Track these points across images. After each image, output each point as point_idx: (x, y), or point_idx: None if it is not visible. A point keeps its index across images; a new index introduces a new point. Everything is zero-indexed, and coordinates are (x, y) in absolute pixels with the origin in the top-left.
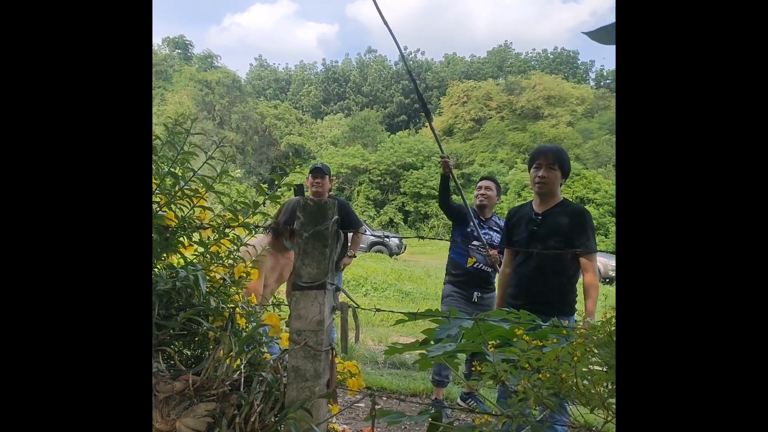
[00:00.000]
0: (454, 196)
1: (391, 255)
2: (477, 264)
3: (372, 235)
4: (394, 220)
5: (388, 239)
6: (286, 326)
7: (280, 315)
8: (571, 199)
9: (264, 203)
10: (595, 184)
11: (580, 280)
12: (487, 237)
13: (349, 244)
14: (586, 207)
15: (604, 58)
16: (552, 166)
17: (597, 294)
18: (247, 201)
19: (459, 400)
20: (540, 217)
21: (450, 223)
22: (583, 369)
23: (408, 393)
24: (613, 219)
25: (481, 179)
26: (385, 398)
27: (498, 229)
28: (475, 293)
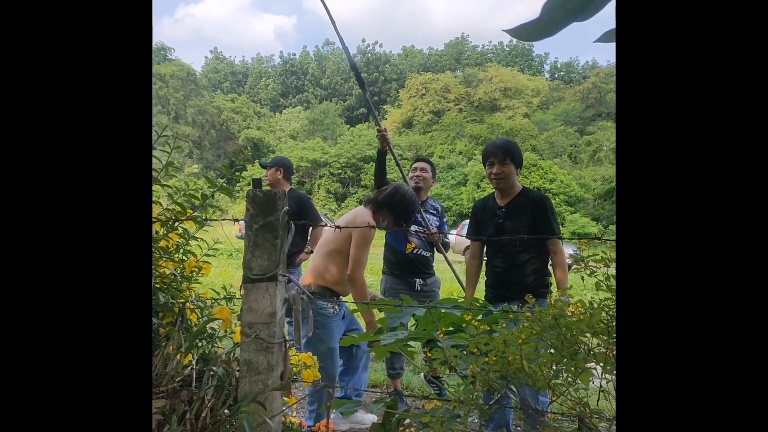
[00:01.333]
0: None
1: None
2: (417, 249)
3: (330, 225)
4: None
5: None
6: (238, 319)
7: (232, 309)
8: None
9: (212, 196)
10: (551, 174)
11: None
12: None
13: (308, 239)
14: None
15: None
16: (504, 162)
17: (566, 271)
18: (195, 194)
19: (423, 379)
20: (503, 210)
21: None
22: (530, 352)
23: (368, 384)
24: (569, 208)
25: (416, 161)
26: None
27: (434, 212)
28: (418, 281)
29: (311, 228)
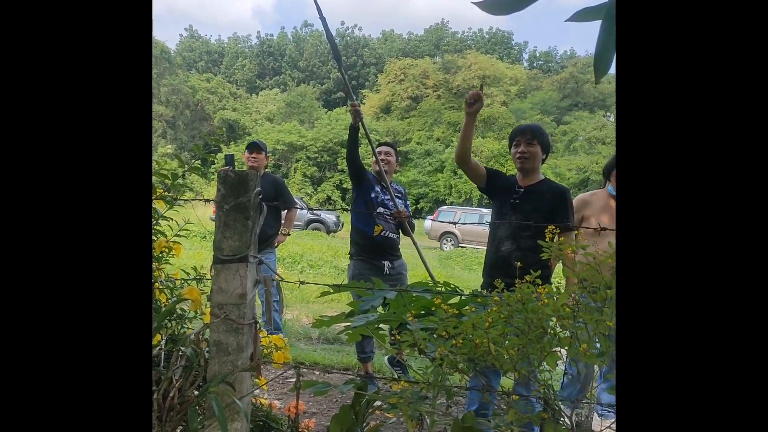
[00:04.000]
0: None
1: (328, 232)
2: (384, 232)
3: (308, 210)
4: (332, 198)
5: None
6: (208, 300)
7: (202, 291)
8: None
9: (184, 176)
10: None
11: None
12: (390, 204)
13: (283, 222)
14: None
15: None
16: (531, 142)
17: (573, 267)
18: (165, 173)
19: (386, 363)
20: (522, 190)
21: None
22: (497, 335)
23: (341, 367)
24: None
25: (379, 145)
26: (318, 372)
27: (399, 195)
28: (386, 264)
29: (286, 211)
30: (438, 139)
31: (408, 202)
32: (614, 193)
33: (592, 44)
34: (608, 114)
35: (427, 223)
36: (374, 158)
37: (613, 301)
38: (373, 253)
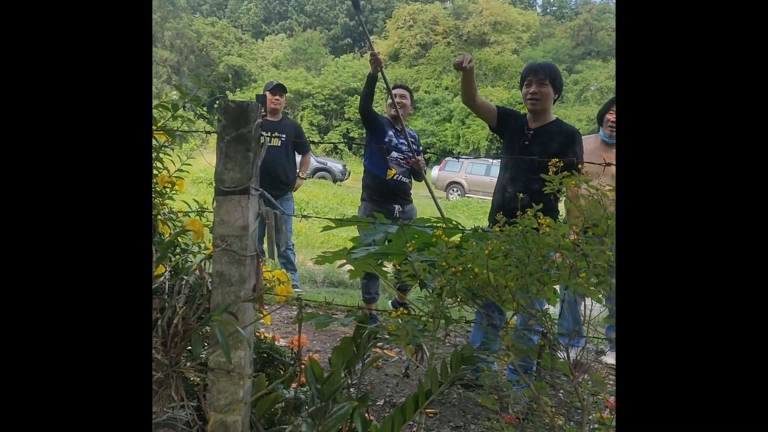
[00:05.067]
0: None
1: (335, 181)
2: (397, 176)
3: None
4: (339, 147)
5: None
6: (210, 233)
7: (205, 225)
8: None
9: (184, 107)
10: None
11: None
12: (404, 147)
13: (300, 167)
14: None
15: None
16: (543, 82)
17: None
18: (166, 105)
19: (389, 305)
20: (532, 132)
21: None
22: (497, 266)
23: (345, 309)
24: None
25: (394, 87)
26: (322, 313)
27: (413, 140)
28: (396, 207)
29: (302, 155)
30: (447, 88)
31: (421, 147)
32: (605, 138)
33: None
34: None
35: (434, 172)
36: (390, 100)
37: (613, 234)
38: (385, 196)
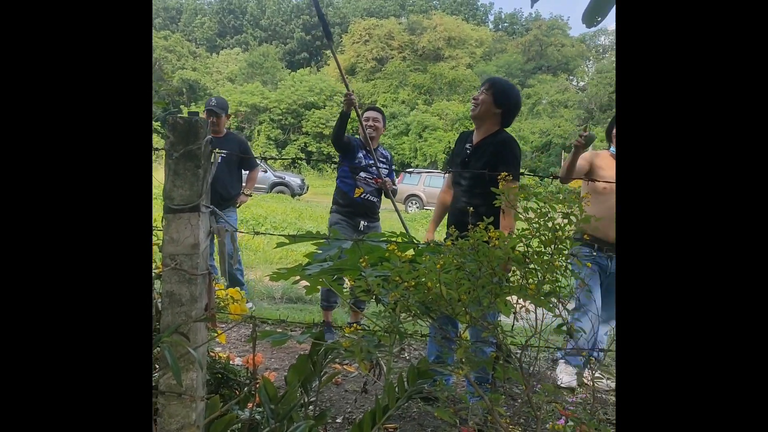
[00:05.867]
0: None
1: (293, 195)
2: (364, 194)
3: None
4: (297, 161)
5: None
6: (160, 251)
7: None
8: None
9: None
10: None
11: None
12: (373, 169)
13: (246, 183)
14: None
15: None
16: (487, 91)
17: (512, 217)
18: None
19: (347, 323)
20: (470, 148)
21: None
22: (450, 281)
23: (304, 325)
24: None
25: (367, 110)
26: (280, 330)
27: (384, 160)
28: (362, 222)
29: (249, 171)
30: (403, 102)
31: (393, 167)
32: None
33: (556, 6)
34: (571, 77)
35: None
36: (360, 127)
37: (560, 246)
38: (351, 213)
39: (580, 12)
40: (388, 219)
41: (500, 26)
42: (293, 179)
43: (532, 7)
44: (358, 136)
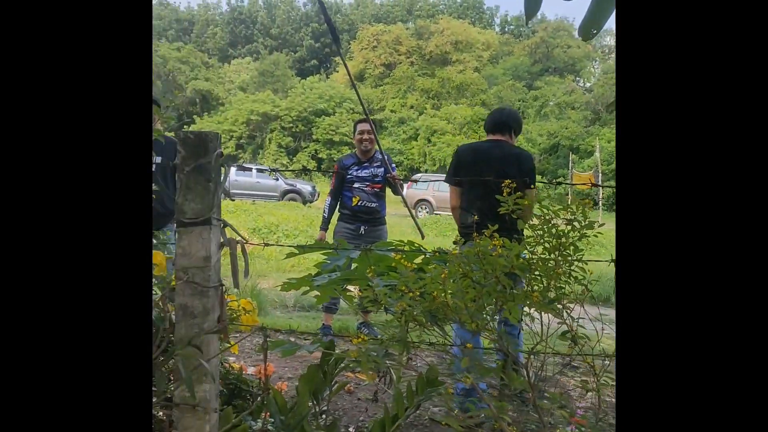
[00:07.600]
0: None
1: (304, 203)
2: (361, 202)
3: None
4: (308, 168)
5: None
6: (172, 265)
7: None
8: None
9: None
10: None
11: None
12: (368, 173)
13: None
14: None
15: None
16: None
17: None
18: None
19: (357, 328)
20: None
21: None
22: (456, 289)
23: (316, 332)
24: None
25: (358, 122)
26: (293, 338)
27: (378, 163)
28: (362, 227)
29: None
30: (412, 107)
31: (393, 165)
32: None
33: (562, 8)
34: (578, 78)
35: (403, 190)
36: (356, 140)
37: (564, 252)
38: (352, 218)
39: (585, 13)
40: (397, 225)
41: (506, 29)
42: (304, 186)
43: (527, 24)
44: (350, 151)
